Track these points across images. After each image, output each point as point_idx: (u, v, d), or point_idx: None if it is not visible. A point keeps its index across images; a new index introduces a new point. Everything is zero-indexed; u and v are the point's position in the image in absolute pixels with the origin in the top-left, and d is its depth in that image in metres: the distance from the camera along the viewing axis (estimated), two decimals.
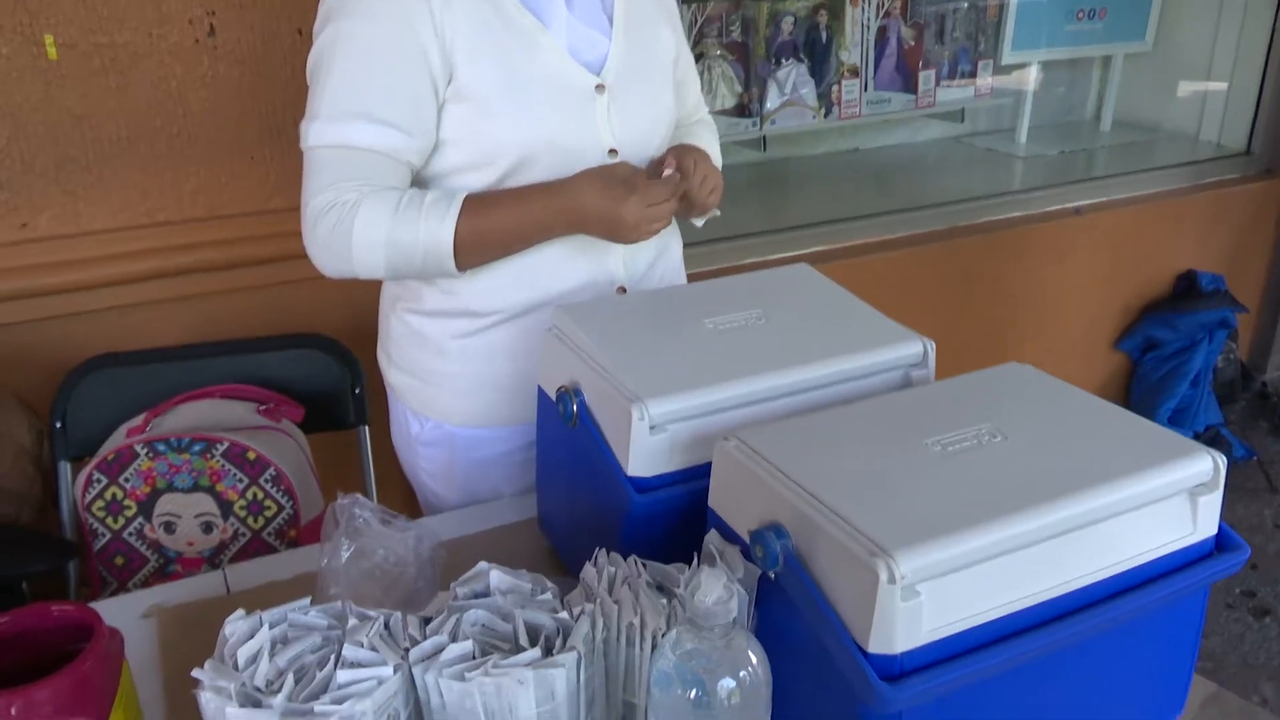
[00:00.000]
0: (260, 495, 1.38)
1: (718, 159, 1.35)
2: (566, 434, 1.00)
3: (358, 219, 1.08)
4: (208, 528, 1.37)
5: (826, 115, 2.64)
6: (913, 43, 2.72)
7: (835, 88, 2.63)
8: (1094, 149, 3.00)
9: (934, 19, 2.75)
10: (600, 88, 1.17)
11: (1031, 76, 2.97)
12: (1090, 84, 3.23)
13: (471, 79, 1.11)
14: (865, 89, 2.68)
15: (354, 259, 1.10)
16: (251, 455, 1.37)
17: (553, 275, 1.20)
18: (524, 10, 1.13)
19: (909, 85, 2.75)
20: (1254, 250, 2.92)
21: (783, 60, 2.55)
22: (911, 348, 1.01)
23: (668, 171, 1.14)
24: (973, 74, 2.84)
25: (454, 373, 1.24)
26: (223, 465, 1.37)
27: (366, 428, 1.61)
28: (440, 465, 1.29)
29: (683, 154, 1.18)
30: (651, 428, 0.89)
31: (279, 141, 1.70)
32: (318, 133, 1.09)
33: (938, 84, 2.77)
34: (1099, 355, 2.83)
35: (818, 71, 2.60)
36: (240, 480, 1.37)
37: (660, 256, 1.30)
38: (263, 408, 1.47)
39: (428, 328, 1.24)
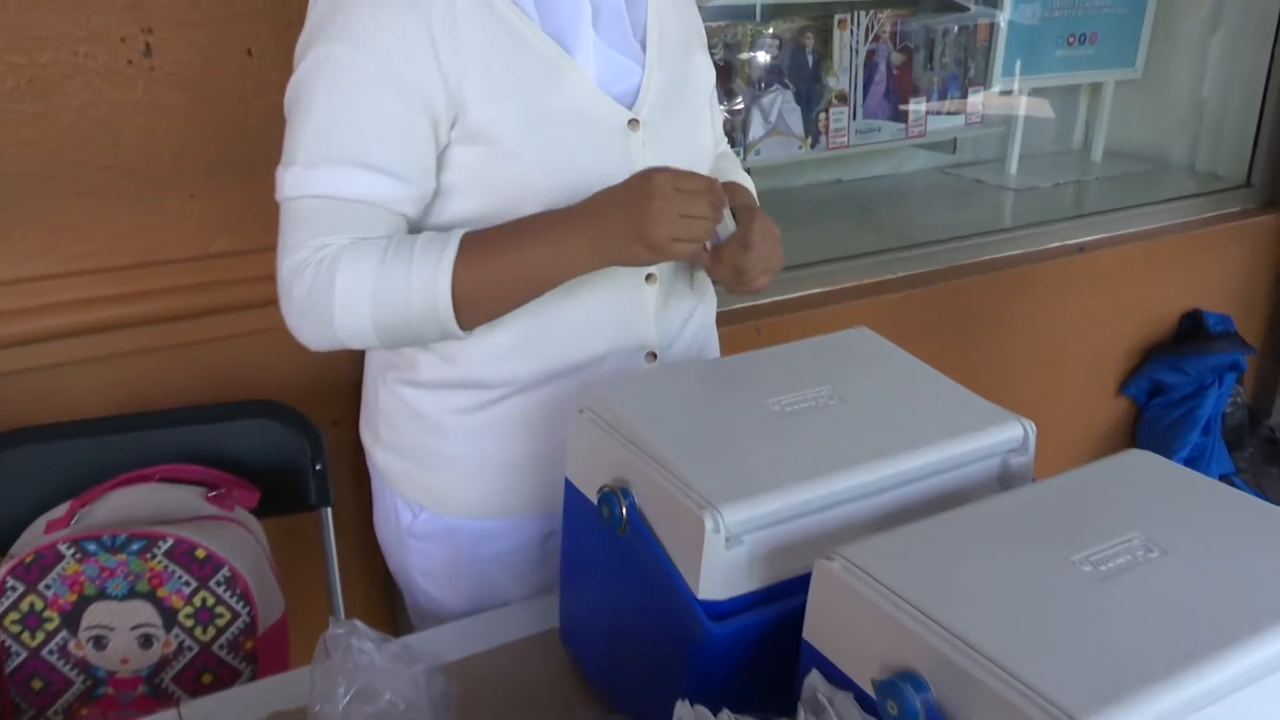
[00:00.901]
0: (211, 601, 1.24)
1: (753, 196, 1.30)
2: (607, 540, 0.90)
3: (339, 275, 1.00)
4: (146, 641, 1.23)
5: (814, 145, 2.60)
6: (901, 68, 2.70)
7: (823, 116, 2.60)
8: (1087, 180, 3.01)
9: (923, 43, 2.73)
10: (634, 123, 1.10)
11: (1022, 104, 2.96)
12: (1078, 112, 3.24)
13: (485, 117, 1.02)
14: (854, 117, 2.65)
15: (337, 325, 1.02)
16: (201, 554, 1.24)
17: (573, 339, 1.12)
18: (544, 35, 1.05)
19: (898, 113, 2.73)
20: (1257, 287, 2.93)
21: (767, 86, 2.50)
22: (1009, 430, 0.93)
23: (726, 213, 1.05)
24: (962, 100, 2.82)
25: (456, 454, 1.16)
26: (166, 566, 1.23)
27: (329, 510, 1.51)
28: (438, 563, 1.21)
29: (747, 226, 1.10)
30: (728, 539, 0.80)
31: (225, 176, 1.60)
32: (296, 181, 1.01)
33: (928, 112, 2.75)
34: (1103, 401, 2.81)
35: (804, 98, 2.57)
36: (187, 584, 1.24)
37: (693, 315, 1.23)
38: (212, 493, 1.35)
39: (424, 402, 1.16)
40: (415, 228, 1.08)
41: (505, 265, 1.01)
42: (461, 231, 1.01)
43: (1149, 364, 2.77)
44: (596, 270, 1.02)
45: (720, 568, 0.80)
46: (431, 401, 1.15)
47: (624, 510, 0.86)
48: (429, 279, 0.99)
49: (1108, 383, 2.81)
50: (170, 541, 1.24)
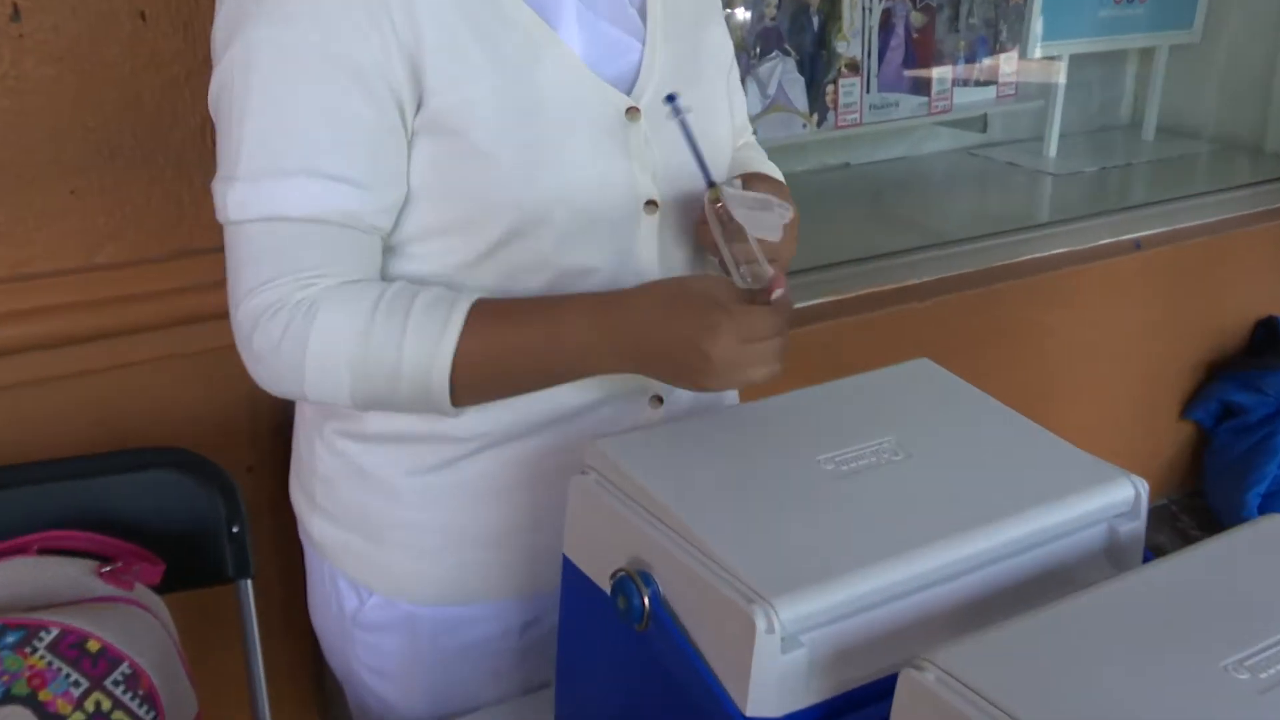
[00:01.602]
0: (107, 705, 1.18)
1: (785, 190, 1.27)
2: (622, 637, 0.88)
3: (314, 331, 0.98)
4: None
5: (820, 124, 2.61)
6: (922, 31, 2.72)
7: (831, 88, 2.61)
8: (1138, 164, 3.03)
9: (948, 1, 2.75)
10: (633, 112, 1.06)
11: (1062, 73, 2.97)
12: (1125, 83, 3.27)
13: (447, 104, 0.99)
14: (867, 89, 2.66)
15: (309, 388, 1.01)
16: (94, 646, 1.18)
17: (563, 384, 1.08)
18: (520, 3, 1.02)
19: (919, 85, 2.74)
20: None
21: (764, 53, 2.51)
22: (1116, 490, 0.92)
23: (778, 293, 0.98)
24: (994, 69, 2.85)
25: (412, 524, 1.13)
26: (50, 663, 1.17)
27: (249, 583, 1.45)
28: (391, 659, 1.18)
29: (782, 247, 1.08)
30: (784, 640, 0.77)
31: (113, 168, 1.55)
32: (240, 201, 0.98)
33: (954, 82, 2.78)
34: (1163, 426, 2.82)
35: (809, 67, 2.57)
36: (77, 684, 1.18)
37: None
38: (106, 567, 1.27)
39: (372, 458, 1.13)
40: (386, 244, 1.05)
41: (517, 359, 1.01)
42: (469, 300, 0.99)
43: (1217, 382, 2.78)
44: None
45: (774, 677, 0.77)
46: (381, 458, 1.12)
47: (645, 601, 0.84)
48: (425, 357, 0.98)
49: (1168, 405, 2.81)
50: (55, 631, 1.18)
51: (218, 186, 1.00)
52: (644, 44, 1.10)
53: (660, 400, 1.13)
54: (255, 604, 1.45)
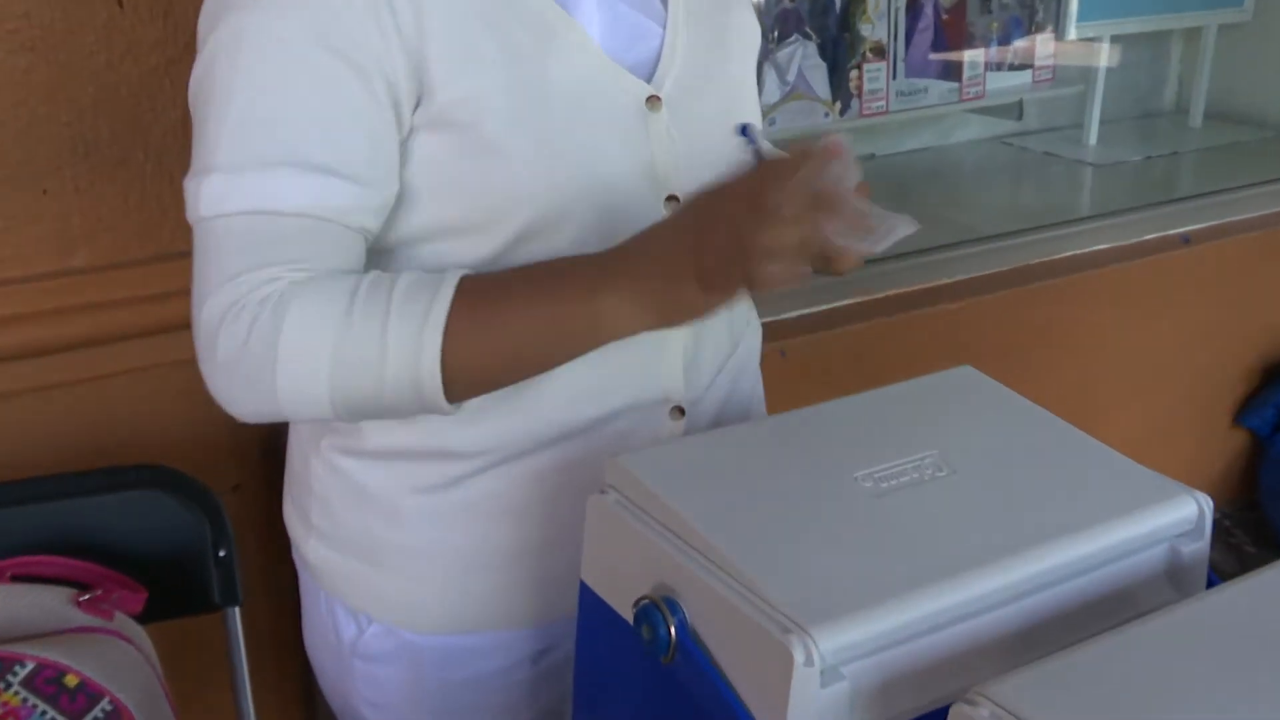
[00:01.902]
0: None
1: None
2: (646, 669, 0.88)
3: (286, 329, 0.93)
4: None
5: (843, 112, 2.60)
6: (952, 12, 2.71)
7: (855, 74, 2.60)
8: (1185, 152, 3.02)
9: None
10: (654, 101, 1.07)
11: (1103, 54, 2.97)
12: (1170, 65, 3.26)
13: (457, 95, 0.99)
14: (894, 75, 2.66)
15: (281, 392, 0.95)
16: (72, 680, 1.19)
17: (574, 391, 1.09)
18: None
19: (950, 70, 2.73)
20: None
21: (783, 36, 2.51)
22: (1178, 508, 0.92)
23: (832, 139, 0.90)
24: (1029, 52, 2.85)
25: (416, 548, 1.14)
26: (25, 699, 1.18)
27: (237, 611, 1.45)
28: (392, 692, 1.18)
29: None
30: (824, 672, 0.77)
31: (89, 166, 1.55)
32: (215, 194, 0.96)
33: (987, 66, 2.77)
34: (1214, 434, 2.81)
35: (831, 52, 2.57)
36: None
37: (734, 354, 1.21)
38: (84, 596, 1.27)
39: (372, 477, 1.13)
40: (371, 246, 1.04)
41: (517, 327, 0.96)
42: (457, 275, 0.96)
43: (1273, 387, 2.77)
44: (638, 333, 0.96)
45: (813, 712, 0.77)
46: (382, 476, 1.12)
47: (672, 631, 0.84)
48: (411, 341, 0.93)
49: (1220, 411, 2.80)
50: (31, 665, 1.18)
51: (190, 181, 0.98)
52: (665, 29, 1.10)
53: (681, 411, 1.13)
54: (244, 633, 1.45)
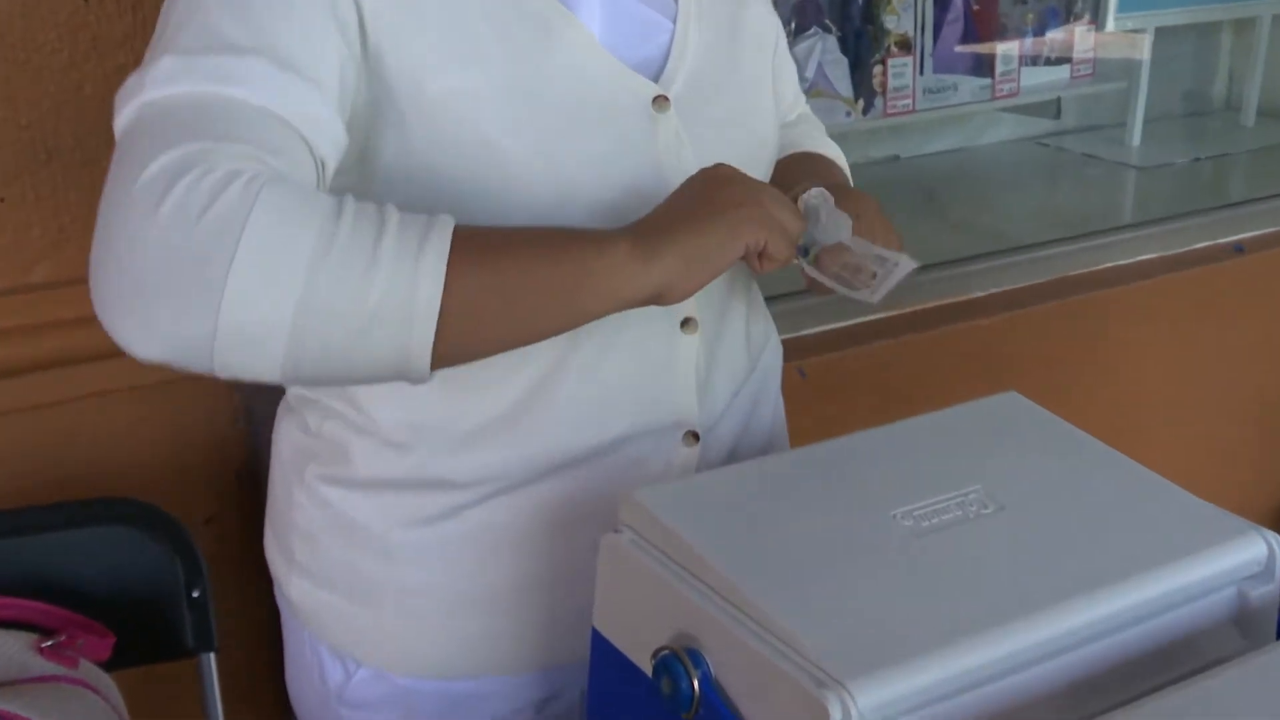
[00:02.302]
0: None
1: (845, 173, 1.33)
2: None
3: (258, 210, 0.82)
4: None
5: (867, 111, 2.61)
6: (984, 3, 2.72)
7: (879, 70, 2.61)
8: (1237, 154, 3.03)
9: None
10: (662, 101, 1.08)
11: (1145, 49, 2.97)
12: (1219, 59, 3.27)
13: (452, 88, 1.00)
14: (920, 71, 2.67)
15: (227, 301, 0.81)
16: None
17: (578, 414, 1.10)
18: None
19: (981, 65, 2.74)
20: None
21: (802, 29, 2.52)
22: (1245, 547, 0.92)
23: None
24: (1068, 45, 2.86)
25: (409, 586, 1.14)
26: None
27: (213, 657, 1.46)
28: None
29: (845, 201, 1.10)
30: None
31: (50, 173, 1.55)
32: (169, 71, 0.89)
33: (1021, 61, 2.78)
34: (1275, 459, 2.80)
35: (853, 46, 2.58)
36: None
37: (751, 375, 1.22)
38: (46, 642, 1.28)
39: (362, 509, 1.13)
40: None
41: (521, 272, 0.92)
42: (449, 218, 0.91)
43: None
44: (636, 305, 0.97)
45: None
46: (372, 508, 1.13)
47: (695, 684, 0.83)
48: (408, 264, 0.86)
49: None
50: None
51: (132, 77, 0.90)
52: (675, 23, 1.11)
53: (696, 437, 1.13)
54: (220, 681, 1.46)
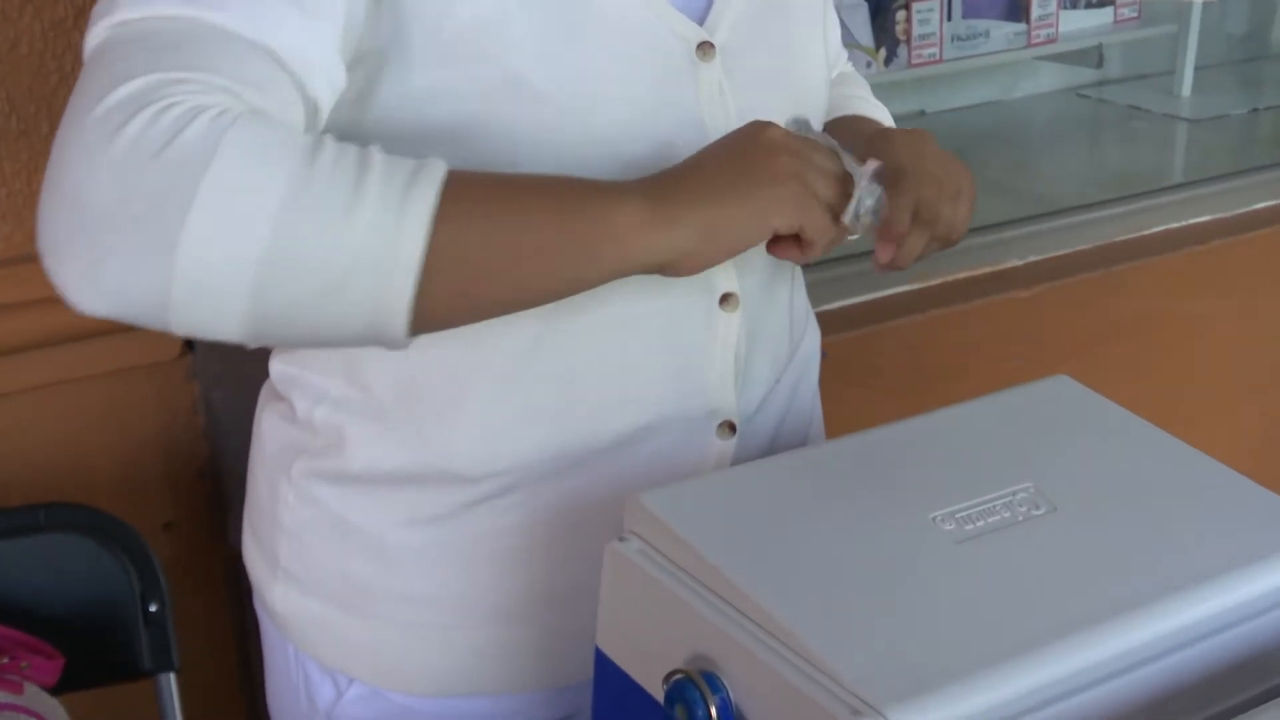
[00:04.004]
0: None
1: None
2: None
3: (226, 145, 0.81)
4: None
5: (889, 62, 2.63)
6: None
7: (902, 15, 2.62)
8: None
9: None
10: (706, 48, 1.08)
11: None
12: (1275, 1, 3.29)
13: (478, 16, 0.99)
14: (948, 16, 2.68)
15: (185, 244, 0.81)
16: None
17: (604, 400, 1.10)
18: None
19: (1015, 9, 2.75)
20: None
21: None
22: None
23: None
24: None
25: (406, 593, 1.15)
26: None
27: (173, 677, 1.47)
28: None
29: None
30: None
31: (15, 145, 1.56)
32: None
33: (1059, 5, 2.79)
34: None
35: None
36: None
37: (792, 361, 1.23)
38: None
39: (356, 507, 1.14)
40: None
41: (519, 226, 0.92)
42: (440, 162, 0.90)
43: None
44: (642, 272, 0.96)
45: None
46: (368, 506, 1.13)
47: (713, 712, 0.83)
48: (390, 211, 0.85)
49: None
50: None
51: (100, 4, 0.89)
52: None
53: (732, 428, 1.14)
54: (181, 704, 1.47)
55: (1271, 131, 2.90)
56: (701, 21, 1.09)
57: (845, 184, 1.00)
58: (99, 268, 0.82)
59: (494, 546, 1.12)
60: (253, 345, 0.95)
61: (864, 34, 2.58)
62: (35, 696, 1.30)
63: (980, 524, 0.90)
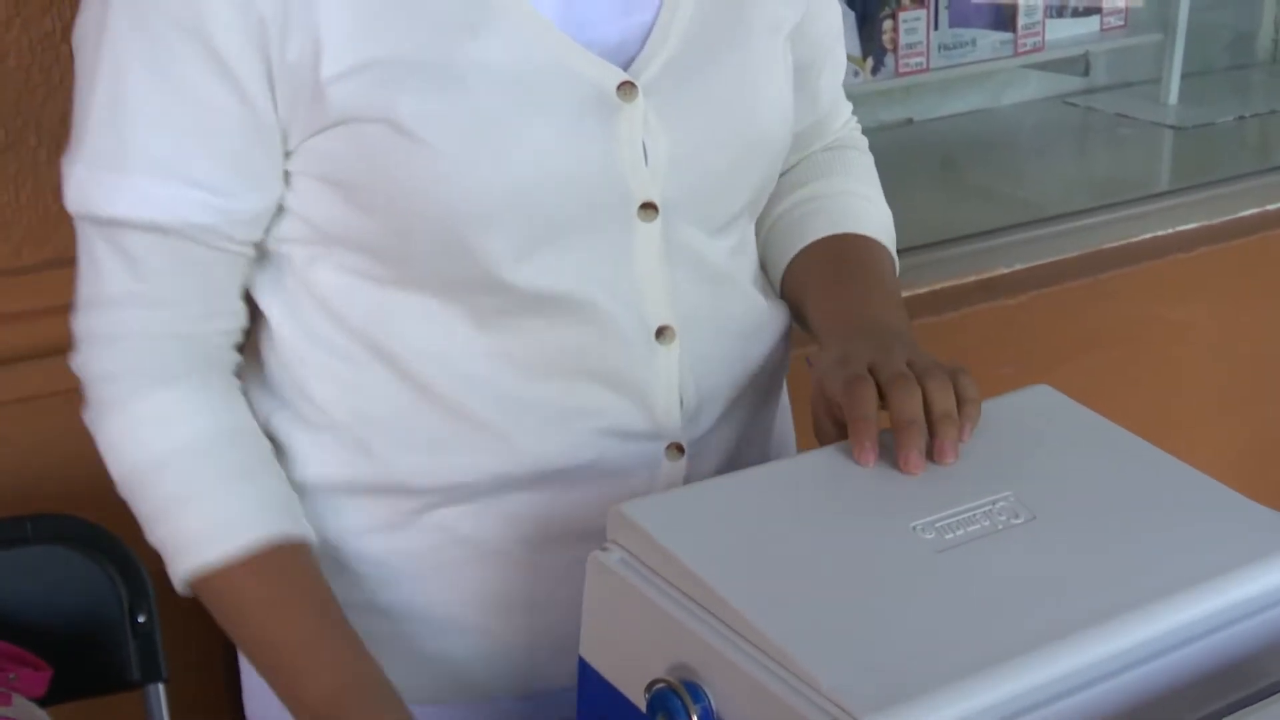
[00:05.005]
0: None
1: (888, 237, 1.25)
2: None
3: (105, 427, 1.12)
4: None
5: (876, 71, 2.62)
6: None
7: (889, 25, 2.61)
8: None
9: None
10: (628, 89, 1.05)
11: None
12: (1263, 7, 3.28)
13: (363, 90, 1.00)
14: (935, 25, 2.67)
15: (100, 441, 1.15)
16: None
17: (545, 428, 1.10)
18: None
19: (1002, 17, 2.75)
20: None
21: None
22: None
23: None
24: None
25: (370, 601, 1.15)
26: None
27: (162, 688, 1.47)
28: None
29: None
30: None
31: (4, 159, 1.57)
32: (80, 192, 1.05)
33: (1046, 13, 2.79)
34: None
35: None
36: None
37: (751, 378, 1.19)
38: None
39: (313, 515, 1.12)
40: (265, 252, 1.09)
41: (244, 646, 1.13)
42: (293, 536, 1.08)
43: None
44: None
45: None
46: (325, 515, 1.13)
47: None
48: (169, 554, 1.09)
49: None
50: None
51: (64, 161, 1.05)
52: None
53: (680, 449, 1.13)
54: (170, 714, 1.47)
55: (1258, 139, 2.90)
56: (626, 62, 1.06)
57: None
58: None
59: (446, 557, 1.12)
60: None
61: (852, 43, 2.56)
62: (22, 708, 1.29)
63: (960, 533, 0.89)
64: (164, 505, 1.08)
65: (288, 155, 1.05)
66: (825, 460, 1.00)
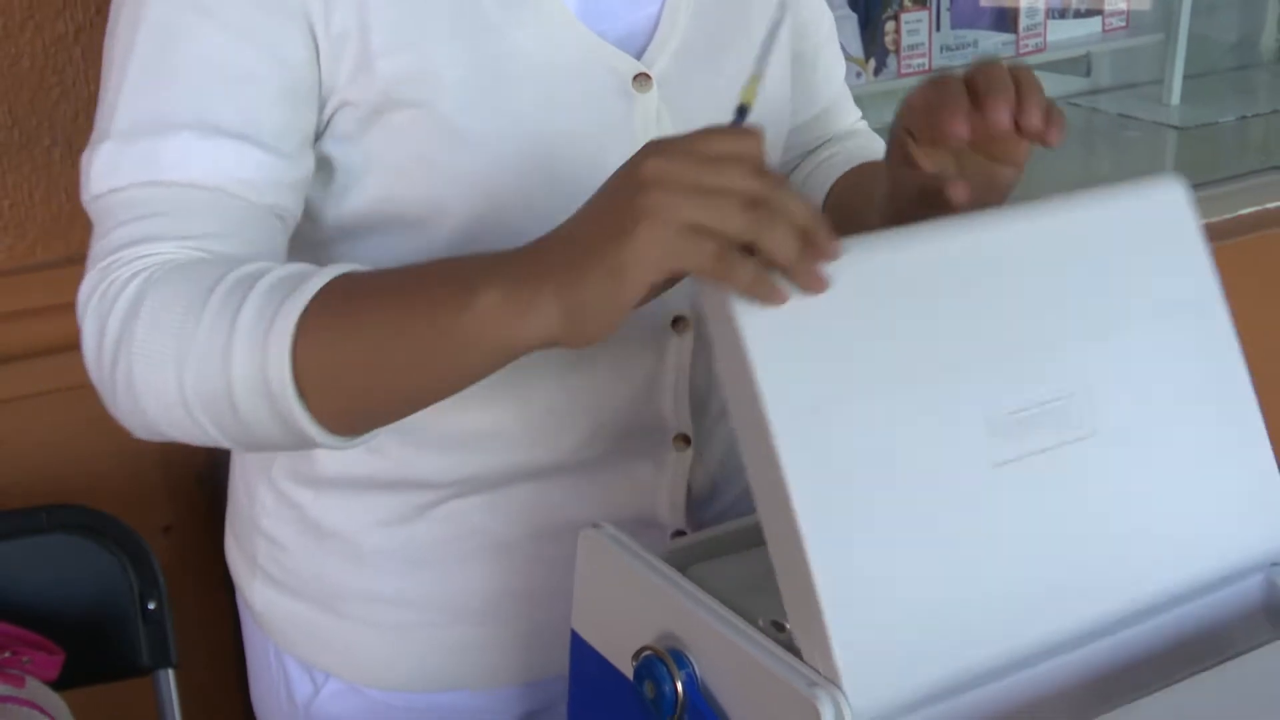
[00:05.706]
0: None
1: None
2: None
3: (143, 312, 0.92)
4: None
5: (878, 72, 2.60)
6: None
7: (891, 26, 2.60)
8: None
9: None
10: (643, 79, 1.08)
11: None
12: (1266, 6, 3.25)
13: (405, 70, 1.01)
14: (937, 26, 2.65)
15: (147, 406, 0.94)
16: None
17: (556, 423, 1.11)
18: None
19: (1003, 18, 2.73)
20: None
21: None
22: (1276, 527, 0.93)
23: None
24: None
25: (380, 591, 1.15)
26: None
27: (171, 673, 1.49)
28: None
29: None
30: None
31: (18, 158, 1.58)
32: (108, 165, 0.98)
33: (1048, 13, 2.77)
34: None
35: (863, 0, 2.57)
36: None
37: None
38: None
39: (329, 509, 1.15)
40: (301, 239, 1.06)
41: (375, 326, 0.90)
42: (339, 269, 0.93)
43: None
44: (535, 350, 0.87)
45: None
46: (341, 508, 1.14)
47: (679, 687, 0.83)
48: (259, 336, 0.89)
49: None
50: None
51: (85, 155, 0.99)
52: None
53: (687, 440, 1.14)
54: (179, 699, 1.48)
55: (1260, 138, 2.87)
56: (639, 53, 1.08)
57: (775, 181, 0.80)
58: (116, 412, 0.97)
59: (461, 547, 1.13)
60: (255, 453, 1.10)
61: (854, 44, 2.55)
62: (36, 690, 1.31)
63: (1017, 446, 0.82)
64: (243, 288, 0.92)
65: (321, 136, 1.03)
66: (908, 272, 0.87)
